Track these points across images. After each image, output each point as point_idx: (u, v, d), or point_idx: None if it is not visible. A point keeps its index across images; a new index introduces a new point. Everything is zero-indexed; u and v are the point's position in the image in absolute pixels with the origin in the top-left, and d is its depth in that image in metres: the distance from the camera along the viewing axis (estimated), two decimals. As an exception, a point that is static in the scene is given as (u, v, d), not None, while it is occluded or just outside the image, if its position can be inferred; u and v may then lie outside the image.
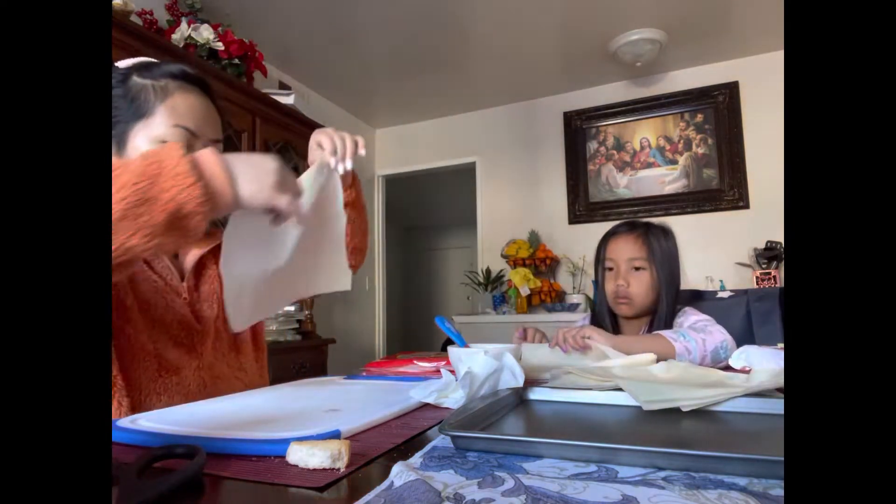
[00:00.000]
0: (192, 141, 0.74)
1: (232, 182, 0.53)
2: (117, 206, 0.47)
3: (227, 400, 0.68)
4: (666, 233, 1.29)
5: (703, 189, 3.36)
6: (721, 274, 3.19)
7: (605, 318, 1.31)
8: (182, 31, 2.22)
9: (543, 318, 3.26)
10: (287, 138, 2.77)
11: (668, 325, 1.21)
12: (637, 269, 1.24)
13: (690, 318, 1.20)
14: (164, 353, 0.77)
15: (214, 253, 0.90)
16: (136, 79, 0.74)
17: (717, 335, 1.05)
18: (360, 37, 2.95)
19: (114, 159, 0.66)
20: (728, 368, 0.95)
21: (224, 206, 0.53)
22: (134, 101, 0.72)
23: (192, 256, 0.86)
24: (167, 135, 0.72)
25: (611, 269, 1.28)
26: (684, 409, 0.58)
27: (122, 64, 0.77)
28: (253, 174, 0.54)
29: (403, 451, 0.46)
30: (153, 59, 0.80)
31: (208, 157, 0.52)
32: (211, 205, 0.51)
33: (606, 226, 1.39)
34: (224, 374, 0.84)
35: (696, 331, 1.06)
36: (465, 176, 4.23)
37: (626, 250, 1.26)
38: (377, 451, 0.45)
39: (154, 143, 0.72)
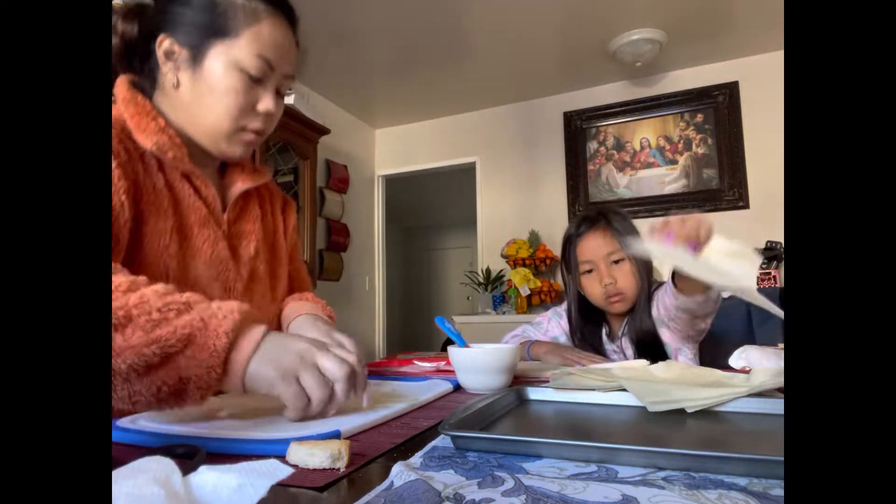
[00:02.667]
0: (267, 73, 0.71)
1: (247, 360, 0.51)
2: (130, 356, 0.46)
3: (226, 399, 0.68)
4: (620, 214, 1.26)
5: (703, 189, 3.36)
6: (721, 274, 3.19)
7: (585, 322, 1.28)
8: (182, 31, 2.22)
9: (543, 318, 3.26)
10: (287, 138, 2.77)
11: (649, 303, 1.20)
12: (616, 262, 1.21)
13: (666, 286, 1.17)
14: (198, 284, 0.72)
15: (260, 191, 0.86)
16: None
17: None
18: (360, 37, 2.95)
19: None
20: (728, 368, 0.95)
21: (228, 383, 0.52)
22: (220, 16, 0.68)
23: (236, 189, 0.80)
24: (247, 63, 0.69)
25: (590, 270, 1.24)
26: (689, 411, 0.58)
27: None
28: (271, 355, 0.52)
29: (403, 451, 0.46)
30: None
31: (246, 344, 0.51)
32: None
33: (607, 226, 1.36)
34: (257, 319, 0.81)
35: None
36: (465, 176, 4.23)
37: (601, 247, 1.22)
38: (377, 451, 0.45)
39: (232, 67, 0.68)
